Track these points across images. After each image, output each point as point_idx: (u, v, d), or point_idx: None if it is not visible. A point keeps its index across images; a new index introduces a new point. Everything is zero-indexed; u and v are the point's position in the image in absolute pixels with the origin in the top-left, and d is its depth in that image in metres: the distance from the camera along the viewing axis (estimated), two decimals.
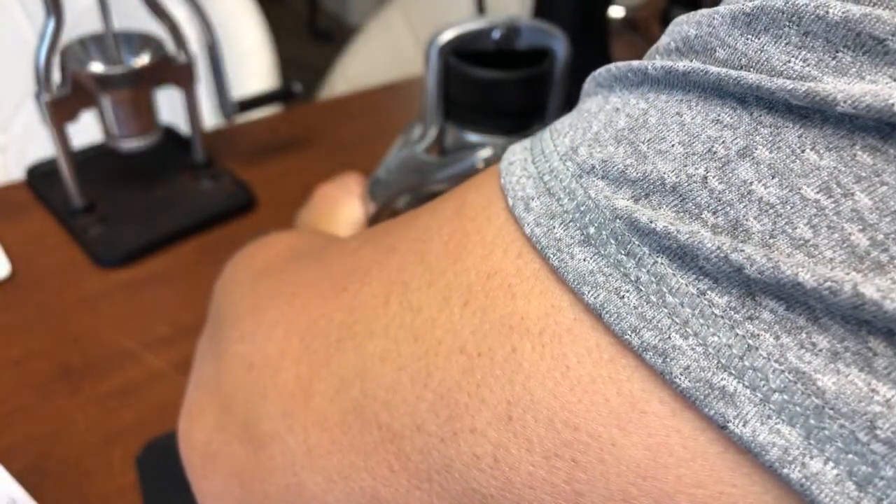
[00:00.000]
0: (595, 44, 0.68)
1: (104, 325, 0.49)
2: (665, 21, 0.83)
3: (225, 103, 0.60)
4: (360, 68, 1.08)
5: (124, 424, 0.43)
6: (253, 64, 0.85)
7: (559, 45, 0.30)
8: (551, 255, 0.14)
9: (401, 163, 0.32)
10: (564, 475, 0.13)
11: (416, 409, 0.15)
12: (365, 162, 0.68)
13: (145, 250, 0.54)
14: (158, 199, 0.59)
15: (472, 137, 0.31)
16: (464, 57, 0.29)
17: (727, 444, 0.12)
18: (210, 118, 0.81)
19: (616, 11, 0.67)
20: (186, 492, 0.38)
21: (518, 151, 0.17)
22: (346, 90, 0.84)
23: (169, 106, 0.74)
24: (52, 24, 0.49)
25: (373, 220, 0.34)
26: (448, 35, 0.28)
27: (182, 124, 0.63)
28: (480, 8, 0.59)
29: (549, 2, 0.66)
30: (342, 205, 0.35)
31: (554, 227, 0.14)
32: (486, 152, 0.30)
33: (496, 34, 0.29)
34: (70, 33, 0.52)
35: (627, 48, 0.89)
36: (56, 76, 0.51)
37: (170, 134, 0.65)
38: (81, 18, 0.82)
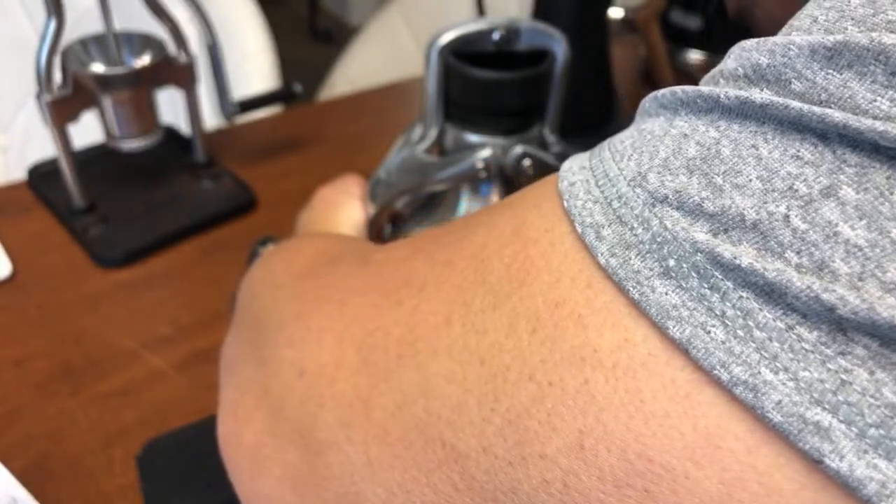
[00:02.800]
0: (594, 45, 0.68)
1: (105, 324, 0.49)
2: (664, 22, 0.83)
3: (225, 104, 0.60)
4: (360, 69, 1.08)
5: (125, 424, 0.43)
6: (253, 64, 0.85)
7: (558, 46, 0.30)
8: (631, 288, 0.14)
9: (401, 163, 0.32)
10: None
11: (483, 432, 0.15)
12: (365, 162, 0.68)
13: (146, 250, 0.55)
14: (159, 199, 0.59)
15: (472, 138, 0.31)
16: (464, 58, 0.29)
17: (803, 482, 0.12)
18: (211, 118, 0.81)
19: (615, 13, 0.68)
20: (186, 491, 0.39)
21: (577, 171, 0.16)
22: (347, 91, 0.84)
23: (170, 106, 0.74)
24: (53, 25, 0.49)
25: (373, 221, 0.34)
26: (448, 36, 0.28)
27: (183, 124, 0.63)
28: (480, 9, 0.60)
29: (548, 3, 0.66)
30: (343, 206, 0.35)
31: (630, 259, 0.14)
32: (485, 152, 0.30)
33: (496, 35, 0.29)
34: (71, 34, 0.52)
35: (626, 49, 0.89)
36: (57, 77, 0.51)
37: (171, 134, 0.65)
38: (82, 19, 0.83)
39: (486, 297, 0.16)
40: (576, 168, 0.17)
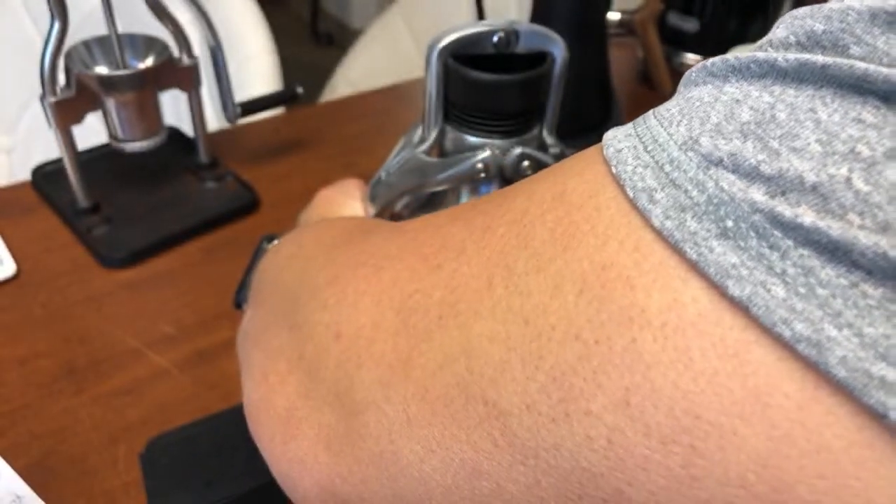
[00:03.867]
0: (592, 47, 0.69)
1: (109, 324, 0.50)
2: (661, 25, 0.83)
3: (228, 106, 0.60)
4: (361, 71, 1.09)
5: (128, 422, 0.43)
6: (256, 66, 0.85)
7: (557, 48, 0.30)
8: (688, 249, 0.14)
9: (402, 164, 0.32)
10: (681, 459, 0.14)
11: (526, 389, 0.15)
12: (366, 163, 0.69)
13: (149, 250, 0.55)
14: (163, 199, 0.60)
15: (472, 139, 0.31)
16: (464, 60, 0.29)
17: (852, 439, 0.12)
18: (214, 119, 0.82)
19: (613, 15, 0.68)
20: (189, 488, 0.39)
21: (622, 139, 0.16)
22: (348, 93, 0.84)
23: (173, 107, 0.75)
24: (57, 27, 0.49)
25: None
26: (448, 39, 0.29)
27: (186, 125, 0.63)
28: (480, 12, 0.60)
29: (547, 6, 0.66)
30: (343, 207, 0.35)
31: (686, 221, 0.14)
32: (485, 154, 0.30)
33: (495, 38, 0.29)
34: (75, 36, 0.52)
35: (624, 51, 0.89)
36: (61, 78, 0.52)
37: (174, 135, 0.65)
38: (86, 21, 0.83)
39: (529, 261, 0.16)
40: (621, 136, 0.16)
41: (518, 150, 0.30)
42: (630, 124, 0.17)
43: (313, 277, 0.23)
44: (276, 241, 0.33)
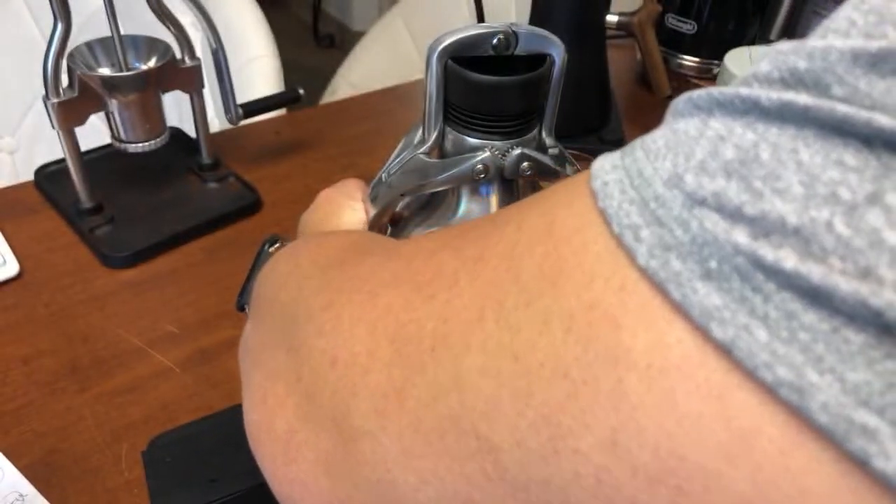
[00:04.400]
0: (591, 49, 0.69)
1: (111, 323, 0.50)
2: (659, 27, 0.84)
3: (230, 107, 0.60)
4: (362, 73, 1.09)
5: (131, 420, 0.44)
6: (258, 68, 0.86)
7: (556, 50, 0.30)
8: (672, 290, 0.14)
9: (402, 165, 0.33)
10: (668, 500, 0.14)
11: (516, 425, 0.16)
12: (367, 164, 0.69)
13: (152, 250, 0.55)
14: (165, 199, 0.60)
15: (472, 140, 0.31)
16: (463, 62, 0.30)
17: (836, 485, 0.12)
18: (216, 120, 0.82)
19: (611, 17, 0.68)
20: (191, 486, 0.39)
21: (609, 170, 0.16)
22: (349, 94, 0.84)
23: (175, 108, 0.75)
24: (60, 28, 0.49)
25: (374, 222, 0.35)
26: (448, 41, 0.29)
27: (189, 126, 0.64)
28: (480, 15, 0.60)
29: (546, 9, 0.67)
30: (344, 208, 0.36)
31: (670, 260, 0.14)
32: (485, 155, 0.31)
33: (495, 40, 0.29)
34: (78, 37, 0.53)
35: (622, 53, 0.90)
36: (64, 80, 0.52)
37: (177, 135, 0.66)
38: (88, 22, 0.83)
39: (519, 295, 0.17)
40: (608, 167, 0.16)
41: (518, 151, 0.31)
42: (619, 153, 0.17)
43: (309, 299, 0.23)
44: (278, 244, 0.34)
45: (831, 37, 0.14)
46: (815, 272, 0.12)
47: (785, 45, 0.15)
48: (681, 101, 0.17)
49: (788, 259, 0.13)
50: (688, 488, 0.13)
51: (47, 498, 0.40)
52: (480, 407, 0.16)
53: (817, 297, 0.12)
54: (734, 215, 0.13)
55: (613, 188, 0.16)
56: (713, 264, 0.13)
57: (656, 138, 0.16)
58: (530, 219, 0.18)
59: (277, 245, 0.34)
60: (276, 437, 0.22)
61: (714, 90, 0.15)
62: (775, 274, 0.13)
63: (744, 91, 0.15)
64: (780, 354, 0.12)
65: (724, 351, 0.13)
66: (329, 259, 0.25)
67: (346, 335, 0.20)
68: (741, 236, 0.13)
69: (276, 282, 0.26)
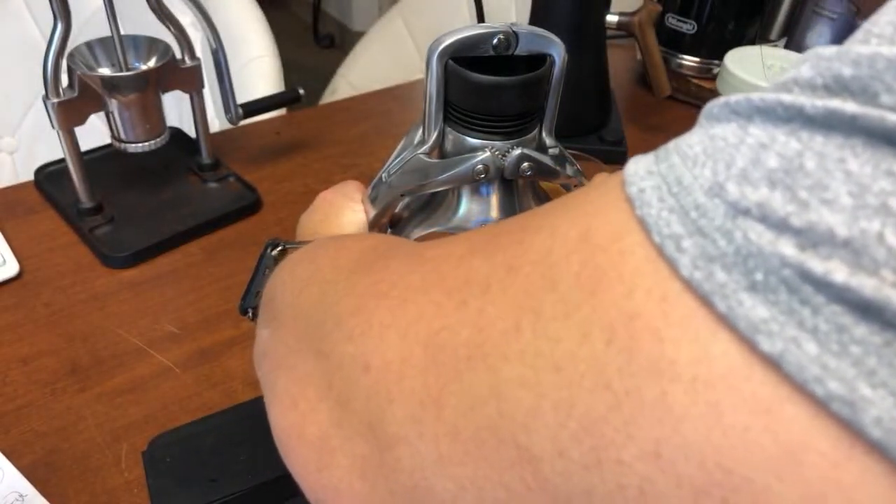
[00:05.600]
0: (591, 49, 0.69)
1: (111, 323, 0.50)
2: (660, 27, 0.84)
3: (230, 107, 0.60)
4: (362, 73, 1.09)
5: (131, 420, 0.44)
6: (258, 68, 0.86)
7: (556, 50, 0.30)
8: (717, 302, 0.14)
9: (402, 165, 0.33)
10: None
11: (557, 436, 0.16)
12: (367, 164, 0.69)
13: (152, 250, 0.55)
14: (165, 199, 0.60)
15: (472, 140, 0.31)
16: (464, 62, 0.30)
17: (889, 499, 0.12)
18: (216, 120, 0.82)
19: (611, 17, 0.68)
20: (191, 486, 0.39)
21: (644, 175, 0.16)
22: (349, 94, 0.84)
23: (175, 108, 0.75)
24: (60, 29, 0.49)
25: (374, 223, 0.35)
26: (448, 41, 0.29)
27: (189, 126, 0.64)
28: (480, 15, 0.60)
29: (546, 9, 0.67)
30: (344, 209, 0.36)
31: (714, 272, 0.14)
32: (485, 155, 0.31)
33: (495, 40, 0.29)
34: (78, 37, 0.53)
35: (622, 53, 0.90)
36: (64, 80, 0.52)
37: (176, 135, 0.66)
38: (88, 22, 0.84)
39: (556, 305, 0.16)
40: (642, 172, 0.16)
41: (518, 152, 0.31)
42: (651, 156, 0.17)
43: (335, 304, 0.22)
44: (280, 248, 0.33)
45: (875, 42, 0.14)
46: (866, 285, 0.12)
47: (827, 51, 0.14)
48: (716, 105, 0.16)
49: (838, 272, 0.12)
50: (734, 500, 0.13)
51: (47, 498, 0.40)
52: (520, 417, 0.16)
53: (868, 310, 0.12)
54: (779, 226, 0.13)
55: (651, 195, 0.16)
56: (759, 276, 0.13)
57: (692, 143, 0.16)
58: (563, 226, 0.18)
59: (280, 248, 0.34)
60: (309, 443, 0.22)
61: (754, 96, 0.15)
62: (825, 287, 0.13)
63: (786, 98, 0.14)
64: (832, 368, 0.12)
65: (772, 364, 0.13)
66: (350, 262, 0.24)
67: (376, 341, 0.20)
68: (788, 248, 0.13)
69: (294, 286, 0.26)
